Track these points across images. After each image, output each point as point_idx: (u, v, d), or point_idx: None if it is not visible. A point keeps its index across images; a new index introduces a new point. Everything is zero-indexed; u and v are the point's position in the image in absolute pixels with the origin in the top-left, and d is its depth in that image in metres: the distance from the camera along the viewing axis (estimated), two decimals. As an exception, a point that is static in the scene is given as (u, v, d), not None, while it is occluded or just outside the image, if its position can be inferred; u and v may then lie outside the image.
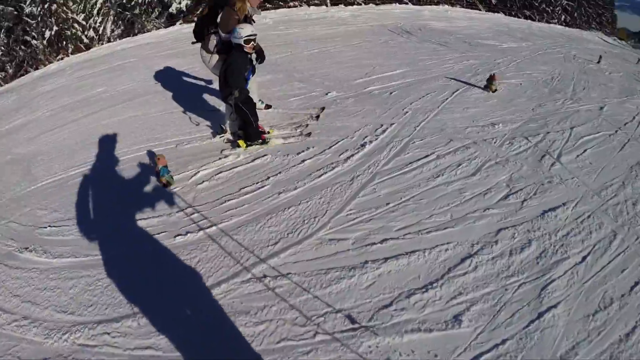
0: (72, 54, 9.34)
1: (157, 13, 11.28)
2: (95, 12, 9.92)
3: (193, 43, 3.38)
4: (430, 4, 12.80)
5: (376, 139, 3.48)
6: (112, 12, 9.94)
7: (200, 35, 3.26)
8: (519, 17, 15.19)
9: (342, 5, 11.17)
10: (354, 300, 1.97)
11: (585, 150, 3.39)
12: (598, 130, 3.79)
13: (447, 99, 4.39)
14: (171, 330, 1.86)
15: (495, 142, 3.44)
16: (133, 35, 9.47)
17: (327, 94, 4.55)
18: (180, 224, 2.58)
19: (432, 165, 3.08)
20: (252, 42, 2.98)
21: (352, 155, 3.23)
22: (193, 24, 3.37)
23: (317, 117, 3.87)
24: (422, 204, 2.64)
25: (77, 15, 9.52)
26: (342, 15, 9.75)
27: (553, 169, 3.09)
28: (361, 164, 3.11)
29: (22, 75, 8.31)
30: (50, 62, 8.61)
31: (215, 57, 3.24)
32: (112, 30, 10.21)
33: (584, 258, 2.22)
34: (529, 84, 5.07)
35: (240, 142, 3.34)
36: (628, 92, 5.14)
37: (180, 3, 11.16)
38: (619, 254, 2.27)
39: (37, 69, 8.50)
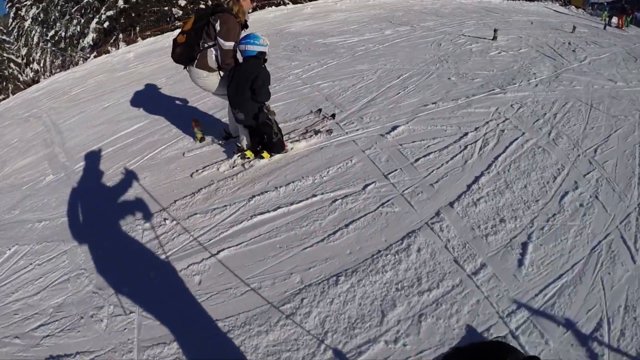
0: (12, 93, 9.62)
1: (83, 44, 11.72)
2: (33, 49, 10.17)
3: (185, 68, 2.91)
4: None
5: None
6: (48, 48, 10.18)
7: (189, 54, 2.77)
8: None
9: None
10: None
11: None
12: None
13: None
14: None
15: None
16: (66, 69, 9.68)
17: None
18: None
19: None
20: None
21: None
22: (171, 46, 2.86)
23: (333, 115, 4.03)
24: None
25: (14, 55, 9.76)
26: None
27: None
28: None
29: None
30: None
31: (218, 75, 2.86)
32: (52, 62, 10.49)
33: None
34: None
35: (265, 154, 3.20)
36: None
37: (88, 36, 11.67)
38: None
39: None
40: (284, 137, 3.30)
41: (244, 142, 3.18)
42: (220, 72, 2.86)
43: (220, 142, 3.79)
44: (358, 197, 2.95)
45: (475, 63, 5.83)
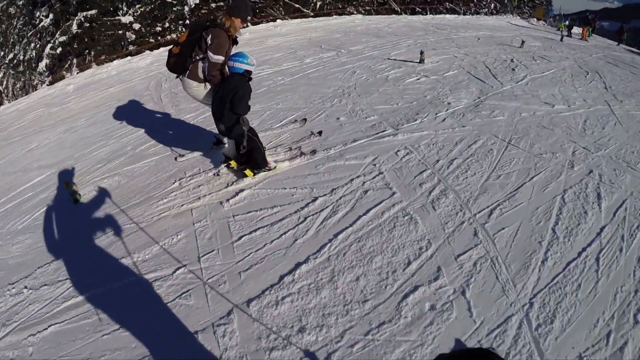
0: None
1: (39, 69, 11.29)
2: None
3: (177, 77, 3.01)
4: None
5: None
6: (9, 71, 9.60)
7: (182, 65, 2.88)
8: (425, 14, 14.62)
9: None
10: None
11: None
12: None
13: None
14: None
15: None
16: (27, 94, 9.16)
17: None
18: None
19: None
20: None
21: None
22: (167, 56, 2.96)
23: (320, 133, 3.79)
24: None
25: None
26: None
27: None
28: None
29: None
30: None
31: (206, 85, 2.94)
32: (14, 84, 9.95)
33: None
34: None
35: (247, 171, 3.08)
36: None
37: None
38: None
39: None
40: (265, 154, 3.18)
41: (231, 152, 3.14)
42: (207, 83, 2.94)
43: (182, 158, 3.66)
44: (164, 282, 2.32)
45: (381, 95, 4.86)
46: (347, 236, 2.47)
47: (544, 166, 3.27)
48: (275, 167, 3.17)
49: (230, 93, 2.67)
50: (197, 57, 2.81)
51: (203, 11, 15.08)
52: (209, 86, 2.93)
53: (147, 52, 11.41)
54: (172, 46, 2.95)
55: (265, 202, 2.87)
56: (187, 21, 15.01)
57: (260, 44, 8.97)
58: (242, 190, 3.02)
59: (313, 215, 2.68)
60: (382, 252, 2.35)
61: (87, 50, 13.66)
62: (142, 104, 5.53)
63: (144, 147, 4.11)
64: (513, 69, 6.28)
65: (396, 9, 17.24)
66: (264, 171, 3.11)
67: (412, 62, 6.46)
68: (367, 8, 17.86)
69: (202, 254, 2.47)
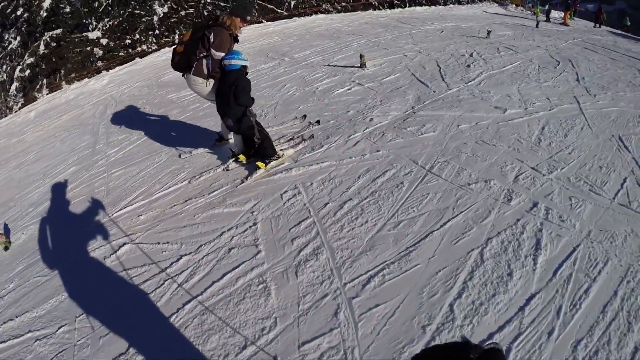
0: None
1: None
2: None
3: (183, 75, 3.07)
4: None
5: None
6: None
7: (187, 62, 2.97)
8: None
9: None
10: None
11: None
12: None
13: None
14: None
15: None
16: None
17: None
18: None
19: None
20: None
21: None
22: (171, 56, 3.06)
23: (318, 122, 3.77)
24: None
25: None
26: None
27: None
28: None
29: None
30: None
31: (211, 81, 3.01)
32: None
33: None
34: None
35: (259, 163, 3.05)
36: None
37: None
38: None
39: None
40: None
41: (237, 148, 3.20)
42: (211, 80, 3.00)
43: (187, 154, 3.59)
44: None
45: (299, 114, 4.08)
46: (194, 307, 2.01)
47: (468, 203, 2.48)
48: (282, 155, 3.16)
49: (232, 87, 2.76)
50: (201, 55, 2.89)
51: (172, 20, 14.83)
52: (212, 82, 3.00)
53: (104, 72, 10.94)
54: (176, 45, 3.07)
55: (138, 260, 2.42)
56: (157, 31, 14.45)
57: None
58: (124, 245, 2.56)
59: (173, 277, 2.22)
60: (221, 330, 1.86)
61: (56, 70, 13.43)
62: (83, 136, 5.06)
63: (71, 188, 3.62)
64: (469, 66, 5.44)
65: (373, 2, 16.58)
66: (274, 159, 3.09)
67: (352, 67, 5.67)
68: (344, 4, 17.28)
69: (78, 315, 2.11)
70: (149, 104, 5.64)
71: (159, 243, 2.52)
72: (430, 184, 2.68)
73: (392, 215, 2.38)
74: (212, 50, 2.82)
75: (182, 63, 2.96)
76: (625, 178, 2.71)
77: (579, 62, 5.83)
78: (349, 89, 4.69)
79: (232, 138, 3.38)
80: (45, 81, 13.28)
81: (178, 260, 2.32)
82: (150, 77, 7.65)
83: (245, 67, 2.89)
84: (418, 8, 11.77)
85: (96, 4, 15.86)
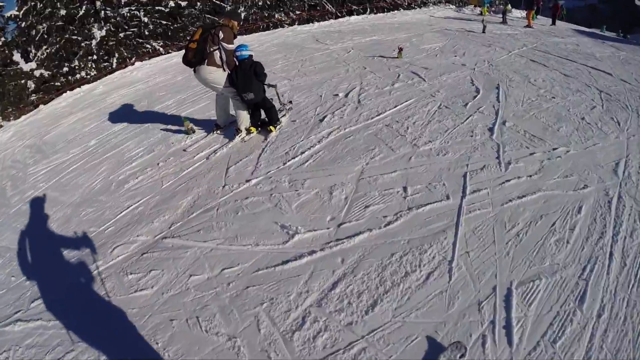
0: None
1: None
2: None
3: (194, 70, 3.51)
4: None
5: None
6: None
7: (200, 55, 3.38)
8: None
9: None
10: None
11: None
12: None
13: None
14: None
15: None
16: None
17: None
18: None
19: None
20: None
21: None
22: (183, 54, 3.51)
23: (290, 102, 4.35)
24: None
25: None
26: None
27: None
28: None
29: None
30: None
31: (222, 69, 3.46)
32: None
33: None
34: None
35: (271, 127, 3.67)
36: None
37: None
38: None
39: None
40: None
41: (243, 125, 3.66)
42: (224, 67, 3.48)
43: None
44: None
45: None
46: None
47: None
48: (281, 121, 3.83)
49: (251, 69, 3.41)
50: (212, 49, 3.38)
51: (111, 43, 13.74)
52: (222, 71, 3.46)
53: (42, 106, 9.11)
54: (188, 43, 3.47)
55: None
56: (95, 56, 13.55)
57: (92, 105, 6.53)
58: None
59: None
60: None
61: (-7, 108, 12.47)
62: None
63: None
64: (321, 120, 3.70)
65: (331, 10, 15.12)
66: (279, 124, 3.77)
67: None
68: (298, 13, 15.89)
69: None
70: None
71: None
72: None
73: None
74: (223, 44, 3.37)
75: (196, 57, 3.38)
76: None
77: (512, 89, 4.03)
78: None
79: (231, 122, 3.92)
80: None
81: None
82: (40, 132, 5.95)
83: (251, 56, 3.49)
84: (353, 18, 9.97)
85: (33, 32, 14.84)
